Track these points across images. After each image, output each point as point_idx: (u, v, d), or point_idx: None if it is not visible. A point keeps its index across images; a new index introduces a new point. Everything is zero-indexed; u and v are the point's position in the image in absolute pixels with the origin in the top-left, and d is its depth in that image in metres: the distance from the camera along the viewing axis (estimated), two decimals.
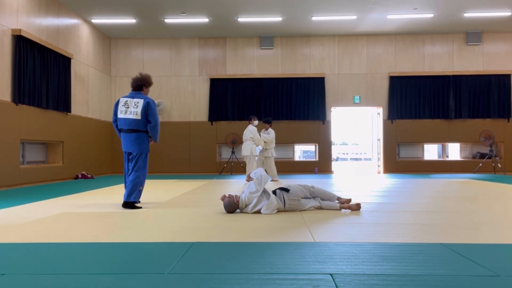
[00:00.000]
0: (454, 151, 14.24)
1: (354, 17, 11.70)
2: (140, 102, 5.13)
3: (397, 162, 13.43)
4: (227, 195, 4.72)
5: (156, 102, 13.19)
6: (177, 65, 13.65)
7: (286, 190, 4.77)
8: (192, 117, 13.53)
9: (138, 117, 5.11)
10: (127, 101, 5.20)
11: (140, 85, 5.30)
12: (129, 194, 5.12)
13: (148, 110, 5.11)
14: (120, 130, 5.35)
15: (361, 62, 13.53)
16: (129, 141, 5.21)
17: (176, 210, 5.07)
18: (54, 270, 2.52)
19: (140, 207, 5.16)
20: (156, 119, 5.16)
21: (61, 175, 10.34)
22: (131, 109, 5.13)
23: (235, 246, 3.09)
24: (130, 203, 5.12)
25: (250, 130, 9.68)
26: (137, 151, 5.20)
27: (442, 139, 13.45)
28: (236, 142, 13.07)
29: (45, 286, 2.23)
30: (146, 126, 5.17)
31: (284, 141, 13.38)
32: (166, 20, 11.86)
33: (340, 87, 13.52)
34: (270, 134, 9.96)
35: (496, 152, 13.38)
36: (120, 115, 5.22)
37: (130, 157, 5.26)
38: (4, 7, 8.34)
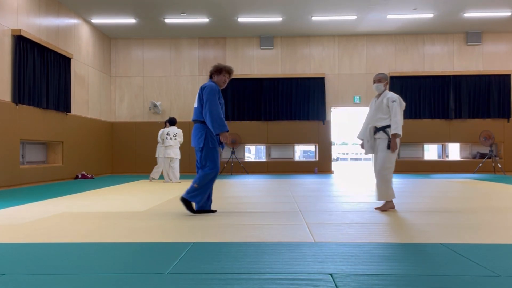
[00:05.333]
0: (454, 151, 14.24)
1: (354, 17, 11.70)
2: (200, 89, 4.71)
3: (397, 162, 13.38)
4: None
5: (154, 102, 13.21)
6: (177, 65, 13.65)
7: None
8: (192, 117, 13.51)
9: (196, 104, 4.71)
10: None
11: (210, 73, 4.84)
12: (187, 189, 4.59)
13: (203, 95, 4.60)
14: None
15: (361, 62, 13.53)
16: (191, 134, 4.81)
17: (176, 210, 5.06)
18: (54, 270, 2.52)
19: (194, 212, 4.64)
20: (209, 104, 4.52)
21: (61, 175, 10.34)
22: (196, 97, 4.78)
23: (235, 246, 3.09)
24: (183, 199, 4.58)
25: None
26: (193, 144, 4.73)
27: (442, 139, 13.45)
28: (236, 142, 13.07)
29: (45, 286, 2.23)
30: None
31: (284, 141, 13.39)
32: (166, 20, 11.86)
33: (340, 87, 13.52)
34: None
35: (496, 152, 13.38)
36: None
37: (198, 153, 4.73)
38: (4, 7, 8.33)
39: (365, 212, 4.75)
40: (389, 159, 4.82)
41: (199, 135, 4.66)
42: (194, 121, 4.76)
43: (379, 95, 5.03)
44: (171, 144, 9.40)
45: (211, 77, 4.85)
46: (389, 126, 4.83)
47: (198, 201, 4.60)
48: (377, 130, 4.94)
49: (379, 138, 4.92)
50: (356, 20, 12.02)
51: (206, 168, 4.59)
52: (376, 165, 4.92)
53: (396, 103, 4.80)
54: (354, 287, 2.17)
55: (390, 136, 4.80)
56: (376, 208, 4.97)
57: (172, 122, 9.63)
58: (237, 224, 4.02)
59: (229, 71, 4.81)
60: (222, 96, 4.82)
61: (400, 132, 4.78)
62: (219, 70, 4.78)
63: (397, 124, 4.75)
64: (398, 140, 4.87)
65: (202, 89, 4.67)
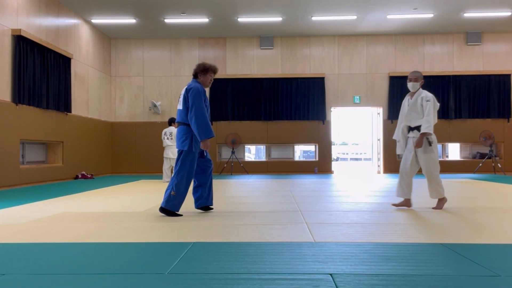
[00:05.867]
0: (454, 151, 14.24)
1: (354, 17, 11.70)
2: (183, 91, 4.57)
3: (397, 162, 13.41)
4: None
5: (154, 102, 13.21)
6: (177, 65, 13.65)
7: None
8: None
9: (181, 106, 4.56)
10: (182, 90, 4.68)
11: (195, 72, 4.69)
12: (165, 198, 4.49)
13: (189, 98, 4.45)
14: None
15: (361, 62, 13.53)
16: (175, 136, 4.69)
17: None
18: (54, 270, 2.52)
19: (180, 215, 4.53)
20: (195, 109, 4.39)
21: (61, 175, 10.34)
22: (180, 98, 4.63)
23: (235, 246, 3.09)
24: (164, 209, 4.50)
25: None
26: (178, 147, 4.57)
27: (442, 139, 13.44)
28: (236, 142, 13.07)
29: (45, 286, 2.23)
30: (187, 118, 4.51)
31: (284, 141, 13.39)
32: (166, 20, 11.86)
33: (340, 87, 13.52)
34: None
35: (496, 152, 13.38)
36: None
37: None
38: (4, 7, 8.33)
39: (365, 212, 4.75)
40: (431, 158, 4.85)
41: (183, 138, 4.50)
42: (178, 123, 4.61)
43: (413, 94, 4.99)
44: (168, 144, 9.43)
45: (195, 76, 4.68)
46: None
47: (178, 205, 4.48)
48: (411, 129, 4.96)
49: (413, 137, 4.94)
50: (356, 20, 12.02)
51: (180, 175, 4.44)
52: (407, 165, 4.96)
53: (430, 102, 4.80)
54: (354, 287, 2.17)
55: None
56: (433, 208, 5.01)
57: (169, 122, 9.65)
58: (237, 224, 4.02)
59: (214, 70, 4.70)
60: (208, 98, 4.69)
61: (431, 131, 4.78)
62: (205, 70, 4.64)
63: (429, 123, 4.76)
64: (434, 138, 4.88)
65: (187, 90, 4.50)
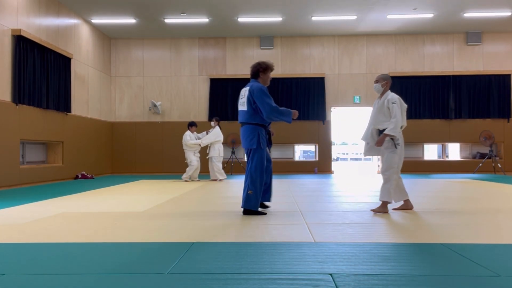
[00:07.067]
0: (454, 151, 14.24)
1: (354, 17, 11.70)
2: (247, 91, 4.62)
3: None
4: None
5: (154, 102, 13.20)
6: (177, 65, 13.65)
7: None
8: (192, 117, 13.53)
9: (245, 108, 4.62)
10: (242, 90, 4.76)
11: (256, 71, 4.76)
12: (244, 199, 4.60)
13: (255, 100, 4.52)
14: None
15: (361, 62, 13.53)
16: (241, 136, 4.75)
17: (176, 210, 5.07)
18: (54, 270, 2.52)
19: (264, 213, 4.59)
20: (265, 106, 4.47)
21: (61, 175, 10.34)
22: (241, 100, 4.70)
23: (235, 246, 3.09)
24: (246, 210, 4.58)
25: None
26: (243, 146, 4.69)
27: (442, 139, 13.45)
28: (236, 142, 13.06)
29: (45, 286, 2.23)
30: (254, 118, 4.58)
31: (284, 141, 13.38)
32: (166, 20, 11.86)
33: (340, 87, 13.52)
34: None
35: (496, 152, 13.38)
36: (239, 107, 4.77)
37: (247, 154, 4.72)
38: (4, 7, 8.33)
39: (365, 212, 4.75)
40: (390, 160, 4.72)
41: (251, 137, 4.58)
42: (243, 123, 4.68)
43: (381, 96, 4.95)
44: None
45: (256, 76, 4.76)
46: None
47: (257, 203, 4.57)
48: (380, 132, 4.84)
49: (386, 140, 4.79)
50: (356, 20, 12.02)
51: (253, 173, 4.58)
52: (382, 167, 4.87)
53: (396, 104, 4.70)
54: (354, 287, 2.17)
55: (388, 136, 4.68)
56: (372, 210, 4.85)
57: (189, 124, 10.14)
58: (237, 224, 4.02)
59: (272, 69, 4.84)
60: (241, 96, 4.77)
61: (396, 134, 4.64)
62: (266, 69, 4.75)
63: (395, 125, 4.63)
64: (401, 141, 4.78)
65: (251, 92, 4.57)
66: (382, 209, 4.72)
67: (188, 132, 9.87)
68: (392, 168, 4.72)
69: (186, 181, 9.69)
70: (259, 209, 4.69)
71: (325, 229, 3.76)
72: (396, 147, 4.71)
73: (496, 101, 13.18)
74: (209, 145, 9.85)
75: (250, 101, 4.56)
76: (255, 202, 4.54)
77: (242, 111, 4.67)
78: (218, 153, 9.80)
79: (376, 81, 5.02)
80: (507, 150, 13.13)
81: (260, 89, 4.56)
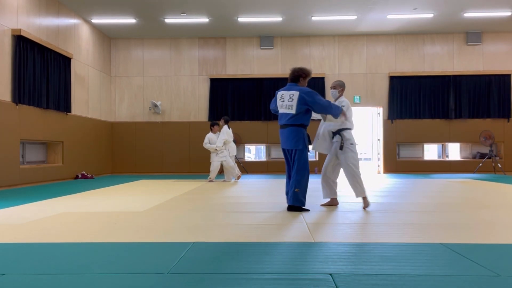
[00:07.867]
0: (454, 151, 14.23)
1: (354, 17, 11.70)
2: (296, 95, 4.82)
3: (397, 162, 13.43)
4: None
5: (154, 102, 13.21)
6: (177, 65, 13.65)
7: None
8: (192, 117, 13.53)
9: (292, 111, 4.84)
10: (282, 94, 4.94)
11: (297, 76, 4.99)
12: (291, 197, 4.85)
13: (307, 102, 4.80)
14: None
15: (361, 62, 13.53)
16: (284, 137, 4.97)
17: (176, 210, 5.07)
18: (54, 270, 2.52)
19: (307, 210, 4.86)
20: (321, 104, 4.81)
21: (61, 175, 10.34)
22: (286, 103, 4.87)
23: (235, 246, 3.09)
24: (291, 207, 4.88)
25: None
26: (288, 147, 4.92)
27: (442, 139, 13.45)
28: (236, 142, 13.04)
29: (45, 286, 2.23)
30: (299, 119, 4.86)
31: None
32: (166, 20, 11.86)
33: None
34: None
35: (496, 152, 13.38)
36: (280, 110, 4.99)
37: (290, 155, 4.97)
38: (4, 7, 8.33)
39: (365, 212, 4.75)
40: (352, 157, 5.12)
41: (296, 138, 4.85)
42: (286, 125, 4.91)
43: (335, 101, 5.34)
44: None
45: (296, 80, 4.98)
46: (342, 129, 5.09)
47: (303, 200, 4.86)
48: (333, 134, 5.16)
49: (336, 141, 5.14)
50: (356, 20, 12.02)
51: (300, 172, 4.84)
52: (342, 165, 5.26)
53: (344, 107, 5.12)
54: (354, 287, 2.17)
55: (343, 139, 5.05)
56: (363, 208, 5.09)
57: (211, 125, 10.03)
58: (237, 224, 4.02)
59: (311, 76, 5.17)
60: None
61: (332, 112, 4.91)
62: (307, 76, 5.03)
63: (334, 109, 4.92)
64: (353, 140, 5.20)
65: (306, 94, 4.80)
66: (367, 203, 5.12)
67: (208, 134, 9.74)
68: (355, 164, 5.20)
69: (210, 181, 9.65)
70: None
71: (325, 229, 3.76)
72: (342, 149, 5.08)
73: (496, 101, 13.17)
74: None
75: (302, 102, 4.79)
76: (302, 199, 4.85)
77: (286, 113, 4.89)
78: (228, 153, 9.76)
79: (333, 87, 5.54)
80: (507, 150, 13.13)
81: (312, 90, 4.92)
